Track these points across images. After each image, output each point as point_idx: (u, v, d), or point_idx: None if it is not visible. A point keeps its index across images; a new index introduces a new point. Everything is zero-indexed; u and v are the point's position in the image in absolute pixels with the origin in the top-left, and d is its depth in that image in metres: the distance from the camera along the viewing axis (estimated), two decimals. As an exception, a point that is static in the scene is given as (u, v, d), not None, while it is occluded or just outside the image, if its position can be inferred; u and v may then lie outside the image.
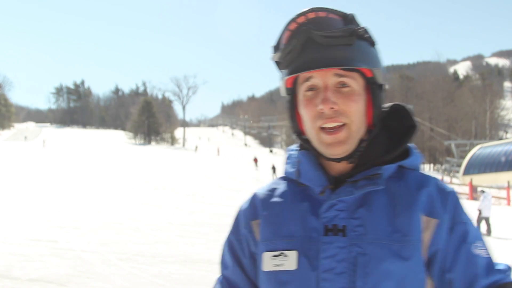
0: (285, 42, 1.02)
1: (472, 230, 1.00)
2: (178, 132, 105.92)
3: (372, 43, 1.04)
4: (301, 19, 1.01)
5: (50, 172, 23.54)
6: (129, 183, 20.61)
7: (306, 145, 1.08)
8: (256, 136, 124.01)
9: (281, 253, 1.02)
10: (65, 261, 6.92)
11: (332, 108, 0.98)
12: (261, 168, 38.73)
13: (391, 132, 1.10)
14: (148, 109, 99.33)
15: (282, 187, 1.13)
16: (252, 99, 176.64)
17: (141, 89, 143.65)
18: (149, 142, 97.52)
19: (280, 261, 1.01)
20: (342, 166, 1.05)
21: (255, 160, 41.31)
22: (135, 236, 9.15)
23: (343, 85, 0.99)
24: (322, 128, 1.00)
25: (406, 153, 1.08)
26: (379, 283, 0.94)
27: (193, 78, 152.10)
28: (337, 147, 1.00)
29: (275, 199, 1.11)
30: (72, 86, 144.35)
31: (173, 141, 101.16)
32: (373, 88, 1.03)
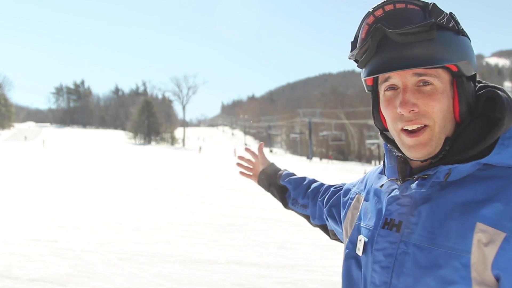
0: (362, 38, 0.97)
1: None
2: (178, 132, 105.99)
3: (457, 31, 0.94)
4: (379, 12, 0.94)
5: (50, 172, 23.57)
6: (129, 183, 20.62)
7: (389, 142, 1.05)
8: (256, 136, 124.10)
9: (360, 237, 1.06)
10: (65, 261, 6.92)
11: (412, 110, 0.92)
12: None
13: (486, 123, 0.96)
14: (148, 109, 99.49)
15: (379, 171, 1.17)
16: (252, 99, 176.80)
17: (141, 89, 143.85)
18: (149, 142, 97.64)
19: (358, 245, 1.06)
20: (426, 163, 1.00)
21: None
22: (135, 236, 9.15)
23: (425, 83, 0.93)
24: (403, 130, 0.95)
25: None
26: (411, 286, 0.91)
27: (193, 78, 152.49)
28: (419, 149, 0.94)
29: (374, 184, 1.14)
30: (72, 86, 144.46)
31: (173, 141, 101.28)
32: (459, 82, 0.95)
